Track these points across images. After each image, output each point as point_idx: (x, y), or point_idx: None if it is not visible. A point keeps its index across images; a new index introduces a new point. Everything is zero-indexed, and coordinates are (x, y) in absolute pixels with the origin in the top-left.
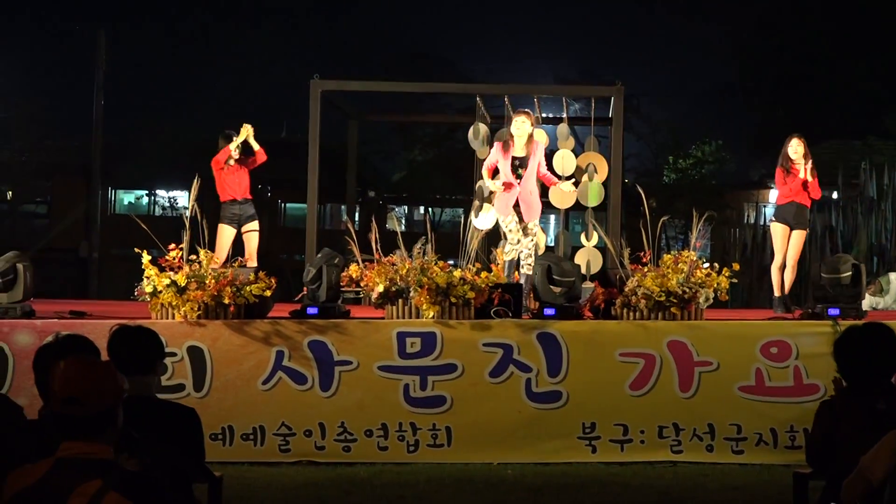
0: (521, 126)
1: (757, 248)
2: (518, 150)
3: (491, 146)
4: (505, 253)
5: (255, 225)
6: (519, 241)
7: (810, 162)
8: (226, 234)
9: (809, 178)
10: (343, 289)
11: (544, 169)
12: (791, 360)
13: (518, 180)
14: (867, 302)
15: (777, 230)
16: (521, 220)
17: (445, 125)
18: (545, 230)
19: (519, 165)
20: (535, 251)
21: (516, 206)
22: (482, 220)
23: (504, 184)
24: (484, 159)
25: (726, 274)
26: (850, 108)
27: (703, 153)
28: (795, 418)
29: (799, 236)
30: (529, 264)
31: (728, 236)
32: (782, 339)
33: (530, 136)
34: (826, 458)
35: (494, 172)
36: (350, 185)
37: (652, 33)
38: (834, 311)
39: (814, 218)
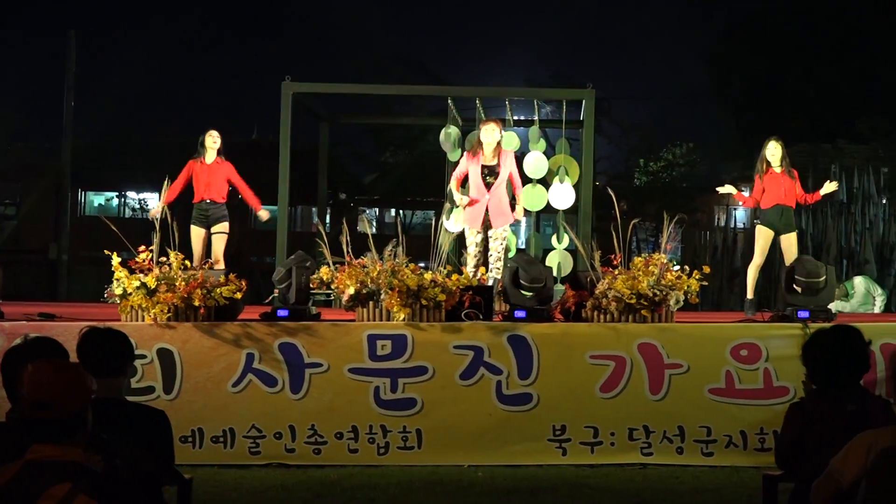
0: (490, 134)
1: (727, 250)
2: (487, 158)
3: (462, 148)
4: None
5: (222, 227)
6: (476, 267)
7: (787, 163)
8: (194, 234)
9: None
10: (313, 291)
11: (517, 180)
12: (761, 362)
13: (487, 189)
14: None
15: (761, 232)
16: (490, 226)
17: (417, 128)
18: (516, 233)
19: (488, 174)
20: (505, 255)
21: (486, 212)
22: (453, 223)
23: (470, 201)
24: (456, 161)
25: (696, 276)
26: (820, 111)
27: (673, 156)
28: (765, 420)
29: (791, 239)
30: (498, 268)
31: (698, 239)
32: (752, 342)
33: (499, 144)
34: (795, 459)
35: (464, 182)
36: (321, 187)
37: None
38: (804, 314)
39: None
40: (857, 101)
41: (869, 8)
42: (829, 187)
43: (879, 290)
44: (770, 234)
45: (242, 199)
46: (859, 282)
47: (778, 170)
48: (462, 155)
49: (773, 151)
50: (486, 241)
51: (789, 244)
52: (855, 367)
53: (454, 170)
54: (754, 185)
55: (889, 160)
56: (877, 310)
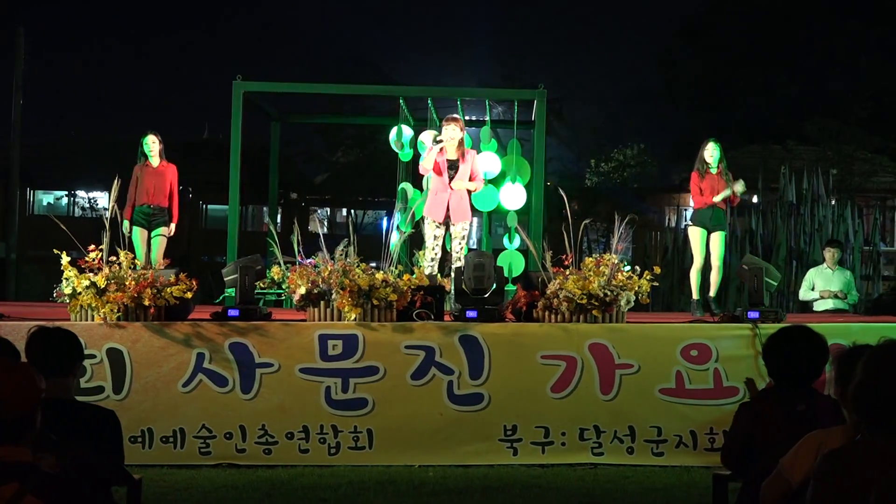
0: (451, 132)
1: (678, 251)
2: (450, 152)
3: (415, 148)
4: (425, 266)
5: (161, 231)
6: (433, 260)
7: (724, 165)
8: (137, 236)
9: (733, 190)
10: (264, 291)
11: (478, 179)
12: (711, 362)
13: (450, 183)
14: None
15: (694, 234)
16: (451, 222)
17: (368, 127)
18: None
19: (450, 168)
20: (462, 254)
21: (447, 207)
22: (406, 222)
23: (441, 148)
24: (407, 161)
25: (647, 277)
26: (770, 113)
27: (624, 157)
28: (715, 420)
29: (718, 238)
30: (458, 268)
31: (649, 239)
32: (702, 342)
33: (461, 142)
34: (744, 459)
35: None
36: (272, 186)
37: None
38: (753, 315)
39: (734, 221)
40: (806, 104)
41: (818, 12)
42: (737, 187)
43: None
44: (702, 233)
45: (169, 205)
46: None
47: (714, 170)
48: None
49: (712, 153)
50: (444, 237)
51: (715, 244)
52: (814, 368)
53: (407, 168)
54: (692, 183)
55: (837, 161)
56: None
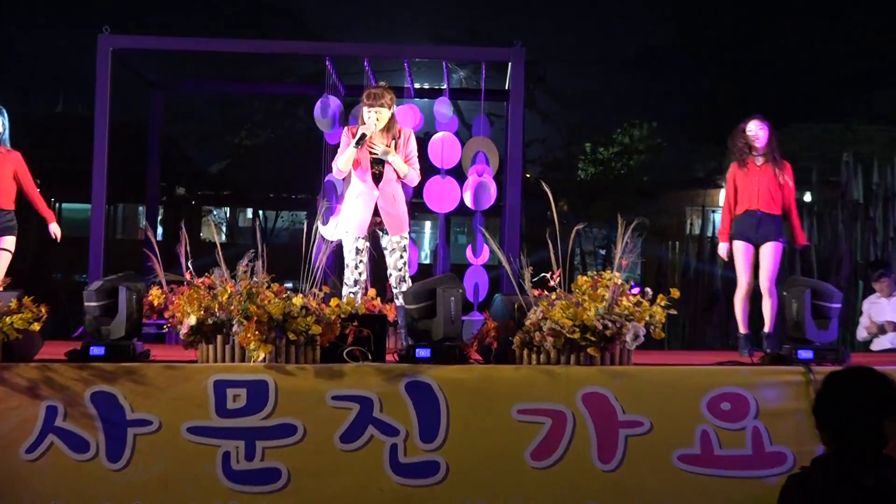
0: (375, 115)
1: (704, 267)
2: (376, 139)
3: (345, 126)
4: (345, 293)
5: (7, 242)
6: (356, 282)
7: (775, 153)
8: None
9: (782, 179)
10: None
11: (416, 167)
12: (748, 419)
13: (376, 182)
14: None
15: (738, 249)
16: (384, 232)
17: (283, 99)
18: (418, 243)
19: (376, 163)
20: (405, 273)
21: (375, 214)
22: (332, 228)
23: (362, 134)
24: (334, 145)
25: (662, 302)
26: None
27: (631, 139)
28: (756, 498)
29: (769, 252)
30: (403, 290)
31: (665, 251)
32: (737, 392)
33: (392, 121)
34: None
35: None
36: (152, 177)
37: None
38: (806, 354)
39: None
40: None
41: None
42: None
43: None
44: (748, 248)
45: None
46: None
47: (760, 161)
48: (343, 129)
49: (756, 134)
50: (373, 252)
51: (766, 260)
52: (874, 425)
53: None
54: (727, 184)
55: None
56: None
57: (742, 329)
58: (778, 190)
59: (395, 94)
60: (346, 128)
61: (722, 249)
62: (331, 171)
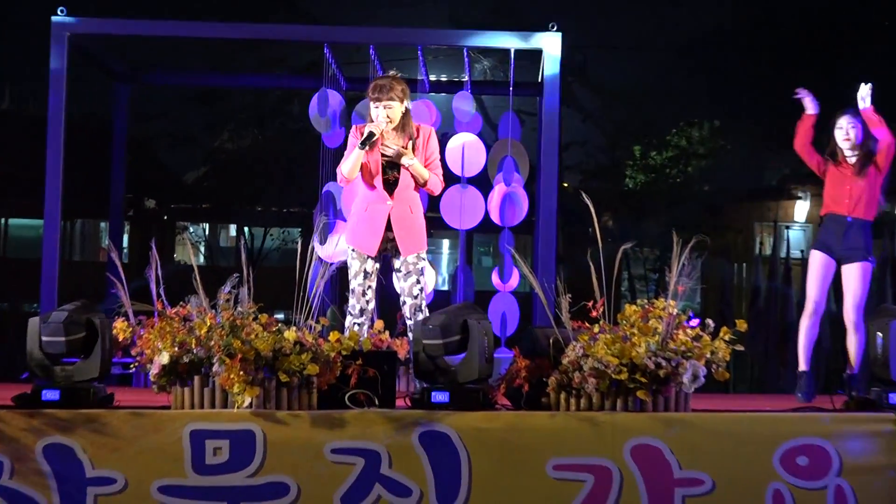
0: (384, 111)
1: (777, 294)
2: (388, 139)
3: (346, 128)
4: (350, 325)
5: None
6: (362, 312)
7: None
8: None
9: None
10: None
11: (438, 172)
12: (830, 476)
13: (390, 192)
14: None
15: (814, 261)
16: (394, 252)
17: (273, 94)
18: (435, 265)
19: (388, 168)
20: (422, 302)
21: (388, 229)
22: (332, 247)
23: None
24: (335, 148)
25: (726, 336)
26: None
27: (688, 140)
28: None
29: (855, 273)
30: (420, 322)
31: (729, 276)
32: (816, 443)
33: (406, 117)
34: None
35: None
36: (116, 188)
37: None
38: None
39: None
40: None
41: None
42: None
43: None
44: (827, 262)
45: None
46: None
47: (852, 159)
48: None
49: (848, 132)
50: (382, 274)
51: (851, 281)
52: None
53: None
54: (826, 182)
55: None
56: None
57: (802, 365)
58: (872, 195)
59: (407, 86)
60: (353, 127)
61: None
62: (330, 181)
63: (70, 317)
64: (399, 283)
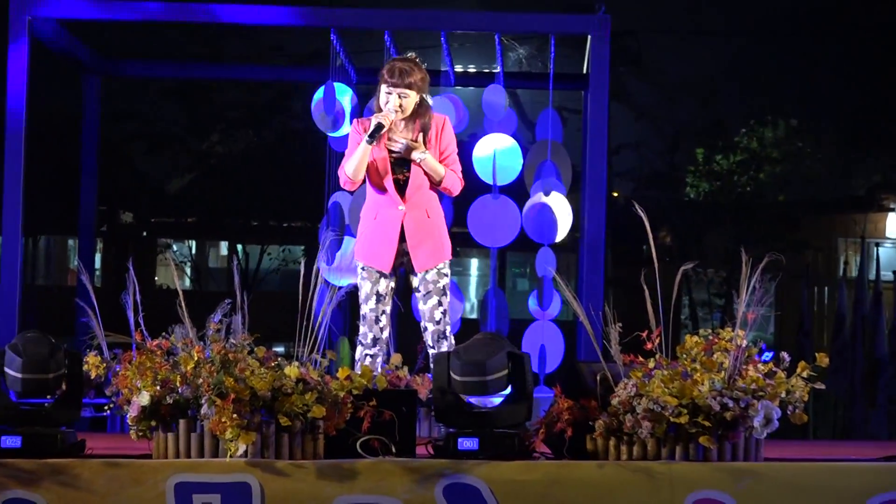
0: (396, 99)
1: (866, 321)
2: (399, 133)
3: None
4: (360, 357)
5: None
6: (375, 342)
7: None
8: None
9: None
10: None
11: (456, 168)
12: None
13: (402, 194)
14: None
15: None
16: (409, 266)
17: (270, 88)
18: (461, 288)
19: (399, 165)
20: (446, 328)
21: (402, 240)
22: (340, 269)
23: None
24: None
25: (805, 373)
26: None
27: (760, 142)
28: None
29: None
30: (444, 354)
31: (809, 300)
32: None
33: (421, 107)
34: None
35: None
36: (86, 198)
37: None
38: None
39: None
40: None
41: None
42: None
43: None
44: None
45: None
46: None
47: None
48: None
49: None
50: (396, 294)
51: None
52: None
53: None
54: None
55: None
56: None
57: None
58: None
59: (422, 70)
60: (356, 120)
61: None
62: (337, 189)
63: (32, 349)
64: (420, 306)
